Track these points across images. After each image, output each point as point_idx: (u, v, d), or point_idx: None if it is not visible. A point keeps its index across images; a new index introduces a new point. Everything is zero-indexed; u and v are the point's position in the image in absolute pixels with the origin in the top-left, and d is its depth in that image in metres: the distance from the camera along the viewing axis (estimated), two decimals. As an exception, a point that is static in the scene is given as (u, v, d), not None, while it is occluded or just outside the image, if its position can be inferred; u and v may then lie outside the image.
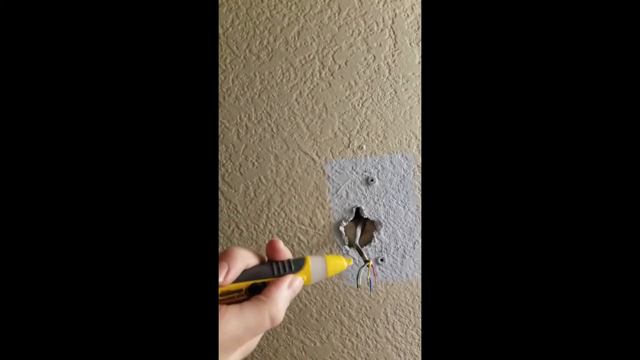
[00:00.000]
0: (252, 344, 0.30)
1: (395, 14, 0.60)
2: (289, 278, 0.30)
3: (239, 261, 0.30)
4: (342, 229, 0.64)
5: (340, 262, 0.33)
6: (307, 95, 0.62)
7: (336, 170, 0.63)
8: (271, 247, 0.31)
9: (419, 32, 0.60)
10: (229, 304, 0.29)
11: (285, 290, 0.30)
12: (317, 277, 0.32)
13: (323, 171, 0.64)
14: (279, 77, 0.62)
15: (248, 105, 0.63)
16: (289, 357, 0.72)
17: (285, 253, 0.32)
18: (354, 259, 0.65)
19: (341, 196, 0.64)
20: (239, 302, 0.29)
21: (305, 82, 0.62)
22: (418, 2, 0.60)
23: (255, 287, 0.30)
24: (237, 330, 0.27)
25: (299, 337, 0.70)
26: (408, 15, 0.60)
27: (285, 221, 0.65)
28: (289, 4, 0.61)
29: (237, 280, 0.30)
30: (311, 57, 0.61)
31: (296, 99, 0.62)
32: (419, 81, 0.61)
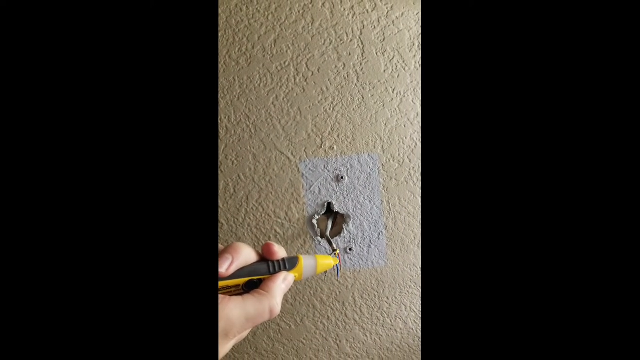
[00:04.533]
0: (245, 332, 0.31)
1: (364, 26, 0.66)
2: (283, 274, 0.33)
3: (242, 256, 0.32)
4: (314, 221, 0.70)
5: (328, 261, 0.37)
6: (283, 99, 0.67)
7: (310, 169, 0.69)
8: (267, 249, 0.33)
9: (384, 43, 0.66)
10: None
11: (281, 285, 0.32)
12: (307, 274, 0.35)
13: (298, 169, 0.69)
14: (257, 82, 0.67)
15: (228, 107, 0.67)
16: (266, 339, 0.78)
17: (280, 253, 0.34)
18: (325, 249, 0.71)
19: (314, 192, 0.70)
20: (237, 296, 0.30)
21: (281, 87, 0.67)
22: (384, 14, 0.66)
23: (251, 283, 0.32)
24: (239, 319, 0.29)
25: (275, 321, 0.76)
26: (375, 27, 0.66)
27: (263, 215, 0.71)
28: (266, 13, 0.65)
29: (235, 275, 0.31)
30: (286, 63, 0.66)
31: (273, 103, 0.67)
32: (384, 88, 0.67)
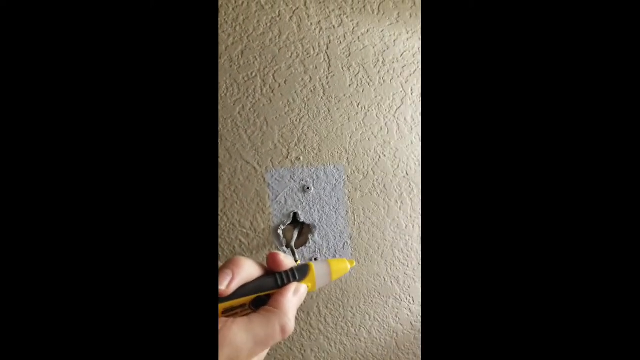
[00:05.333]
0: (262, 355, 0.27)
1: (330, 41, 0.68)
2: (293, 286, 0.29)
3: (244, 270, 0.28)
4: (280, 232, 0.70)
5: (343, 266, 0.32)
6: (250, 109, 0.68)
7: (276, 179, 0.69)
8: (272, 260, 0.29)
9: (350, 58, 0.68)
10: None
11: (292, 299, 0.28)
12: (321, 283, 0.31)
13: (264, 179, 0.69)
14: (223, 92, 0.67)
15: (193, 116, 0.67)
16: (230, 351, 0.76)
17: (287, 263, 0.30)
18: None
19: (280, 202, 0.70)
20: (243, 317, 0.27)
21: (247, 97, 0.67)
22: (350, 30, 0.68)
23: (259, 301, 0.28)
24: (247, 344, 0.25)
25: (240, 332, 0.75)
26: (341, 42, 0.68)
27: (227, 225, 0.70)
28: (234, 24, 0.66)
29: (239, 294, 0.28)
30: (253, 74, 0.67)
31: (239, 112, 0.67)
32: (349, 102, 0.69)
